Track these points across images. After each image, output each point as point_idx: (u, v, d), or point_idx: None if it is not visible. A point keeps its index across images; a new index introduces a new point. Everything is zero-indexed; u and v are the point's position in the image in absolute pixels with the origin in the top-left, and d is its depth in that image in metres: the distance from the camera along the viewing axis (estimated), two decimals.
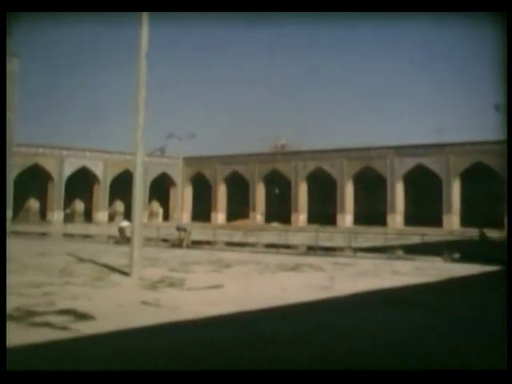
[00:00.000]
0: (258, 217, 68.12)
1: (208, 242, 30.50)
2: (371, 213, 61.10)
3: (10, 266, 18.15)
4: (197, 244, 29.59)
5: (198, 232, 35.55)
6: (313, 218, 64.03)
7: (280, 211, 67.67)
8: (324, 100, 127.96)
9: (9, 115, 61.88)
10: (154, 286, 14.04)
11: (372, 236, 35.46)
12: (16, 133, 62.79)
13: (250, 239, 31.27)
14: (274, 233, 36.42)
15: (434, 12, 10.29)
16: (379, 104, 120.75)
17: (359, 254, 24.33)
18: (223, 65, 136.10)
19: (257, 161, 69.10)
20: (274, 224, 63.49)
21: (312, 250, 26.47)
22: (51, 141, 69.17)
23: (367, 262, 21.30)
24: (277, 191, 69.29)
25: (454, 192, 55.89)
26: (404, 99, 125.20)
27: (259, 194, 69.05)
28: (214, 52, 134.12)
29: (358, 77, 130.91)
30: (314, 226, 50.08)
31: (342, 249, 26.07)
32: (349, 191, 62.41)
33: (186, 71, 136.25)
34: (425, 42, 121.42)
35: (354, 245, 26.91)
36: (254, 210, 68.88)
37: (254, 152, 71.35)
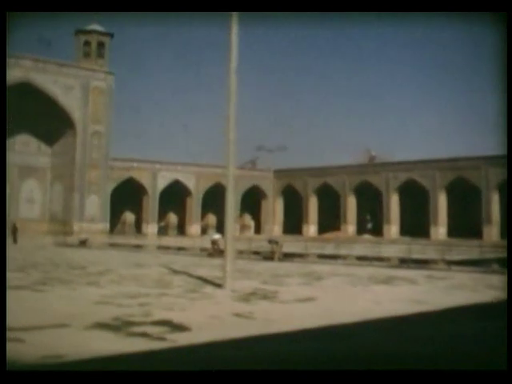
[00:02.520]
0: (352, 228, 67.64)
1: (300, 255, 30.50)
2: (466, 225, 59.50)
3: (108, 277, 18.80)
4: (288, 256, 29.64)
5: (290, 244, 35.58)
6: (405, 230, 63.01)
7: (372, 223, 66.99)
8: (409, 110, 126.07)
9: (102, 129, 64.09)
10: (246, 298, 14.15)
11: (466, 249, 34.52)
12: (112, 147, 64.95)
13: (342, 251, 31.07)
14: (366, 245, 36.06)
15: (434, 12, 10.23)
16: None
17: (453, 267, 23.74)
18: (310, 75, 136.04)
19: (347, 172, 68.67)
20: (366, 236, 62.88)
21: (404, 262, 26.02)
22: (145, 155, 71.09)
23: (462, 276, 20.76)
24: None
25: None
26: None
27: (350, 205, 68.51)
28: (303, 60, 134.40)
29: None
30: (406, 239, 49.25)
31: (435, 262, 25.51)
32: (441, 202, 61.03)
33: (275, 81, 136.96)
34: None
35: (447, 258, 26.28)
36: (345, 222, 68.39)
37: (344, 163, 70.97)
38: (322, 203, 72.14)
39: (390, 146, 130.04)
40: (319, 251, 31.73)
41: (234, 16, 16.38)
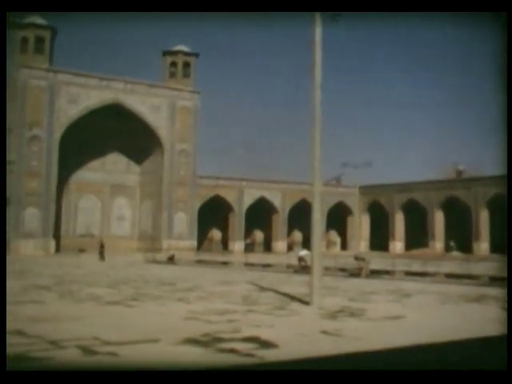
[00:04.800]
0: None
1: (386, 272, 30.10)
2: None
3: (196, 293, 19.08)
4: (375, 273, 29.30)
5: (376, 261, 35.16)
6: (495, 247, 61.04)
7: (459, 239, 65.30)
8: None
9: (189, 147, 65.28)
10: (333, 315, 14.08)
11: None
12: (198, 165, 66.06)
13: (430, 269, 30.44)
14: (455, 262, 35.20)
15: (435, 12, 10.10)
16: None
17: None
18: (393, 86, 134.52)
19: (434, 188, 67.30)
20: (454, 253, 61.36)
21: (496, 280, 25.22)
22: (230, 172, 71.95)
23: None
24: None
25: None
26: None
27: (437, 221, 67.07)
28: (388, 72, 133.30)
29: None
30: (497, 256, 47.75)
31: None
32: None
33: (355, 94, 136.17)
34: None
35: None
36: (432, 238, 66.98)
37: (431, 179, 69.61)
38: (408, 219, 70.97)
39: (479, 160, 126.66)
40: (406, 268, 31.21)
41: (318, 20, 16.37)
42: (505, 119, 9.03)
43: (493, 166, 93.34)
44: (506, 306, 15.71)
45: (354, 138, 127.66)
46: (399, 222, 71.46)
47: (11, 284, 22.14)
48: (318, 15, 16.29)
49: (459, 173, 77.45)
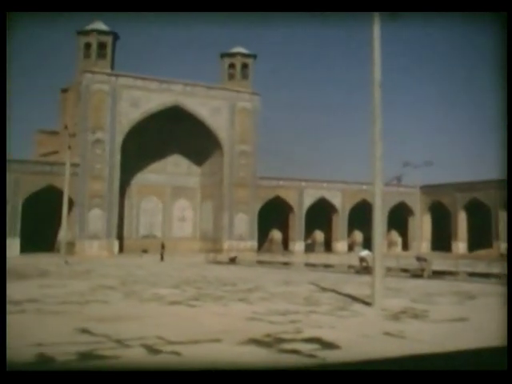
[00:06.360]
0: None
1: (449, 273, 29.60)
2: None
3: (258, 294, 19.15)
4: (438, 274, 28.86)
5: (439, 262, 34.61)
6: None
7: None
8: None
9: (249, 149, 65.55)
10: (396, 316, 13.96)
11: None
12: (258, 166, 66.25)
13: (494, 270, 29.79)
14: None
15: (434, 12, 9.93)
16: None
17: None
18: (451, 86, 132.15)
19: (498, 187, 65.62)
20: None
21: None
22: (289, 173, 71.95)
23: None
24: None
25: None
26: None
27: (502, 221, 65.55)
28: (442, 69, 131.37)
29: None
30: None
31: None
32: None
33: (419, 94, 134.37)
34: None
35: None
36: (496, 238, 65.51)
37: (494, 178, 67.93)
38: (471, 219, 69.61)
39: None
40: (470, 269, 30.61)
41: (376, 18, 16.24)
42: (506, 119, 9.00)
43: None
44: None
45: (415, 136, 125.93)
46: (462, 222, 70.16)
47: (78, 284, 22.71)
48: (376, 15, 16.18)
49: None
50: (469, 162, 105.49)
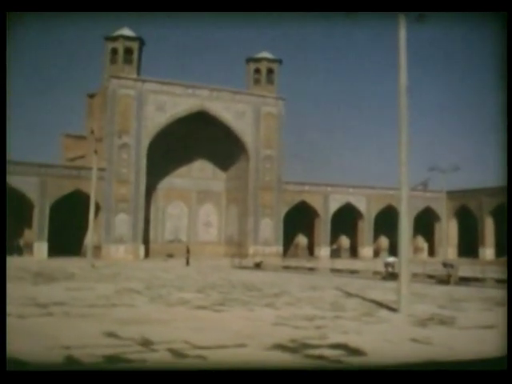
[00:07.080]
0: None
1: (476, 279, 29.32)
2: None
3: (284, 299, 19.12)
4: (465, 280, 28.60)
5: (465, 268, 34.30)
6: None
7: None
8: None
9: (274, 153, 65.57)
10: (423, 323, 13.85)
11: None
12: (283, 171, 66.25)
13: None
14: None
15: (434, 12, 9.85)
16: None
17: None
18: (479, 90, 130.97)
19: None
20: None
21: None
22: (315, 178, 71.79)
23: None
24: None
25: None
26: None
27: None
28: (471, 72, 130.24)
29: None
30: None
31: None
32: None
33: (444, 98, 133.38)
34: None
35: None
36: None
37: None
38: (499, 224, 68.88)
39: None
40: (498, 276, 30.29)
41: (401, 20, 16.11)
42: (505, 119, 9.00)
43: None
44: None
45: (441, 141, 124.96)
46: (489, 228, 69.50)
47: (105, 287, 22.87)
48: (402, 16, 16.04)
49: None
50: (495, 167, 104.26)
